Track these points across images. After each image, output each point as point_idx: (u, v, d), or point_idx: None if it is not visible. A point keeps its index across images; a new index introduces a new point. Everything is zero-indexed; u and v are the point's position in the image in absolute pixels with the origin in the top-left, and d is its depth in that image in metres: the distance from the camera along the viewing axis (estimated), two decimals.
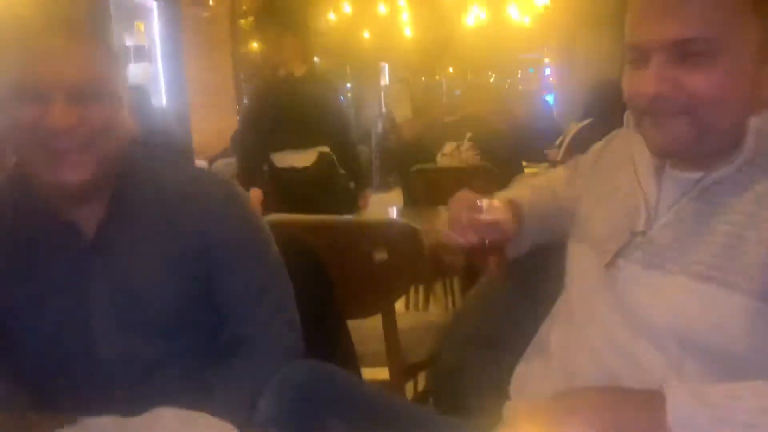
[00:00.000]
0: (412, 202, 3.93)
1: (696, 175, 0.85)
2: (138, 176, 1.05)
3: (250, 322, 1.08)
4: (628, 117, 0.95)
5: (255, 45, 8.30)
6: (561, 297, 1.03)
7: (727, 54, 0.77)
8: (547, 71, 11.34)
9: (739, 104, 0.80)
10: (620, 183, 0.97)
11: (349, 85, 11.09)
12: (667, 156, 0.88)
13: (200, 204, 1.05)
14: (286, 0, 3.85)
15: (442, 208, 2.90)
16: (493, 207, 1.00)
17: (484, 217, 0.99)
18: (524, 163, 3.94)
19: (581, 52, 6.09)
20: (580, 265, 0.98)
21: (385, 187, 9.09)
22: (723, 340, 0.77)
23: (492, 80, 11.30)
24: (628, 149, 0.97)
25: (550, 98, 8.76)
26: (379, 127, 10.28)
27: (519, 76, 12.24)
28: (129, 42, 5.67)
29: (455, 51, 9.89)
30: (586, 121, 3.55)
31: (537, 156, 4.30)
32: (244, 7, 7.75)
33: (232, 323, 1.09)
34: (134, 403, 0.89)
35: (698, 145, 0.82)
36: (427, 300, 2.88)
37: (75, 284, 1.01)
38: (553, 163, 3.65)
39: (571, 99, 5.86)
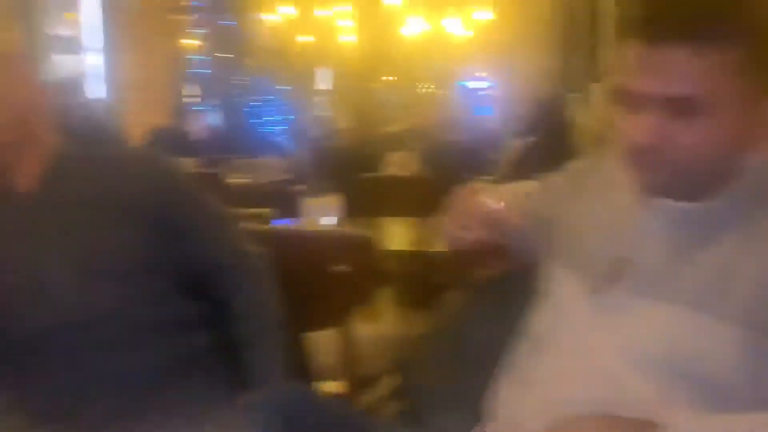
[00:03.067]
0: (354, 210, 3.90)
1: (685, 205, 0.88)
2: (69, 151, 1.14)
3: (221, 252, 1.19)
4: (617, 146, 0.96)
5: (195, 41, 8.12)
6: (538, 320, 1.02)
7: (714, 112, 0.80)
8: (483, 84, 11.58)
9: (721, 156, 0.83)
10: (607, 208, 0.98)
11: (283, 87, 10.99)
12: (653, 194, 0.90)
13: (136, 164, 1.17)
14: None
15: (387, 219, 2.91)
16: (497, 200, 0.95)
17: (490, 209, 0.93)
18: (467, 176, 3.99)
19: (521, 69, 6.25)
20: (565, 290, 0.97)
21: (319, 192, 9.02)
22: (713, 370, 0.78)
23: (429, 90, 11.45)
24: (614, 176, 0.99)
25: (484, 110, 8.94)
26: (314, 131, 10.20)
27: (456, 87, 12.45)
28: (60, 31, 5.41)
29: (395, 59, 9.97)
30: (529, 139, 3.63)
31: (479, 168, 4.37)
32: (185, 2, 7.56)
33: (200, 257, 1.18)
34: (95, 348, 1.05)
35: (679, 187, 0.86)
36: (374, 312, 2.86)
37: (21, 232, 1.08)
38: (499, 178, 3.71)
39: (511, 114, 6.00)
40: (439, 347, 1.18)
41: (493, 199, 0.95)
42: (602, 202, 0.99)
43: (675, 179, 0.84)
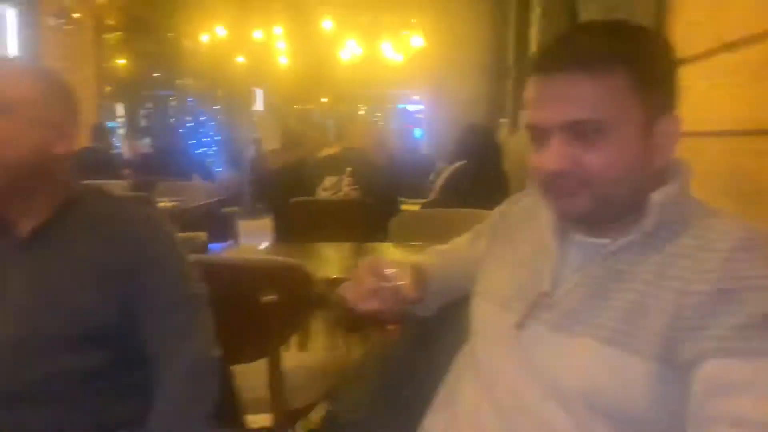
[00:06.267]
0: (287, 234, 3.86)
1: (601, 241, 0.91)
2: (75, 198, 1.17)
3: (167, 335, 1.16)
4: (534, 181, 0.99)
5: (122, 60, 7.92)
6: (465, 353, 1.04)
7: (616, 132, 0.85)
8: (415, 107, 11.78)
9: (631, 176, 0.87)
10: (525, 244, 1.01)
11: (217, 108, 10.86)
12: (572, 222, 0.94)
13: (125, 227, 1.17)
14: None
15: (320, 244, 2.89)
16: (396, 274, 1.02)
17: (386, 284, 1.01)
18: (401, 199, 4.03)
19: (450, 95, 6.39)
20: (488, 324, 1.00)
21: (257, 213, 8.91)
22: (628, 403, 0.81)
23: (362, 112, 11.55)
24: (534, 211, 1.02)
25: (417, 133, 9.08)
26: (252, 151, 10.11)
27: (388, 109, 12.62)
28: None
29: (330, 82, 10.01)
30: (459, 163, 3.69)
31: (412, 192, 4.42)
32: (110, 22, 7.37)
33: (149, 336, 1.16)
34: (37, 402, 1.05)
35: (598, 214, 0.89)
36: (306, 340, 2.82)
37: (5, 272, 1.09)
38: (431, 202, 3.76)
39: (442, 137, 6.10)
40: (367, 380, 1.18)
41: (393, 273, 1.01)
42: (525, 238, 1.02)
43: (591, 204, 0.87)
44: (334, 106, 11.77)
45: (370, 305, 0.99)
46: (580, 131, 0.85)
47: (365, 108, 11.87)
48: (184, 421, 1.11)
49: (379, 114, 12.28)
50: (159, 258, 1.19)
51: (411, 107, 12.20)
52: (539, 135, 0.89)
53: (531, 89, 0.90)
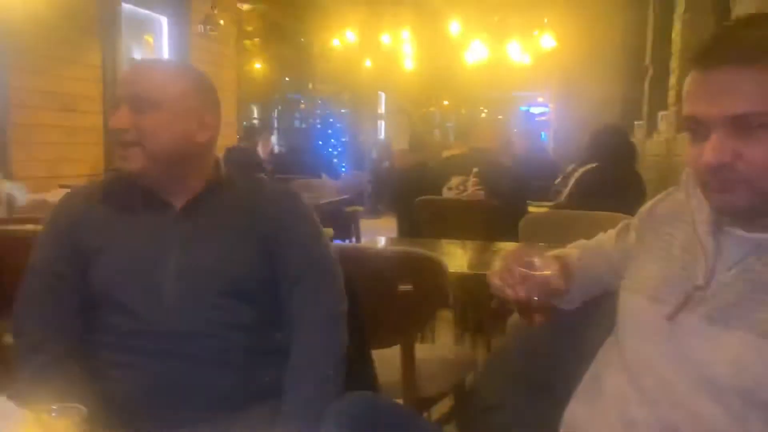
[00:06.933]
0: (409, 232, 3.94)
1: (761, 236, 0.88)
2: (223, 178, 1.34)
3: (303, 290, 1.28)
4: (687, 176, 0.98)
5: (258, 65, 8.39)
6: (610, 344, 1.04)
7: None
8: (539, 109, 11.55)
9: None
10: (677, 237, 1.00)
11: (344, 110, 11.20)
12: (730, 216, 0.91)
13: (268, 197, 1.34)
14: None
15: (444, 241, 2.93)
16: (545, 264, 1.03)
17: (536, 273, 1.02)
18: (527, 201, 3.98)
19: (580, 97, 6.22)
20: (637, 316, 0.99)
21: (376, 213, 9.13)
22: None
23: (483, 115, 11.50)
24: (686, 206, 1.00)
25: (544, 137, 8.91)
26: (374, 153, 10.36)
27: (510, 112, 12.46)
28: (137, 54, 5.68)
29: (453, 85, 10.05)
30: (591, 165, 3.60)
31: (539, 194, 4.35)
32: (249, 28, 7.84)
33: (287, 292, 1.28)
34: (193, 358, 1.17)
35: (758, 209, 0.86)
36: (432, 334, 2.88)
37: (164, 240, 1.25)
38: (561, 203, 3.69)
39: (570, 140, 5.95)
40: (510, 365, 1.20)
41: (541, 262, 1.02)
42: (676, 232, 1.01)
43: (751, 199, 0.85)
44: (455, 108, 11.79)
45: (518, 293, 1.01)
46: (742, 125, 0.83)
47: (486, 111, 11.81)
48: (317, 366, 1.22)
49: (501, 117, 12.17)
50: (297, 223, 1.32)
51: (534, 110, 11.99)
52: (699, 128, 0.87)
53: (691, 82, 0.89)
